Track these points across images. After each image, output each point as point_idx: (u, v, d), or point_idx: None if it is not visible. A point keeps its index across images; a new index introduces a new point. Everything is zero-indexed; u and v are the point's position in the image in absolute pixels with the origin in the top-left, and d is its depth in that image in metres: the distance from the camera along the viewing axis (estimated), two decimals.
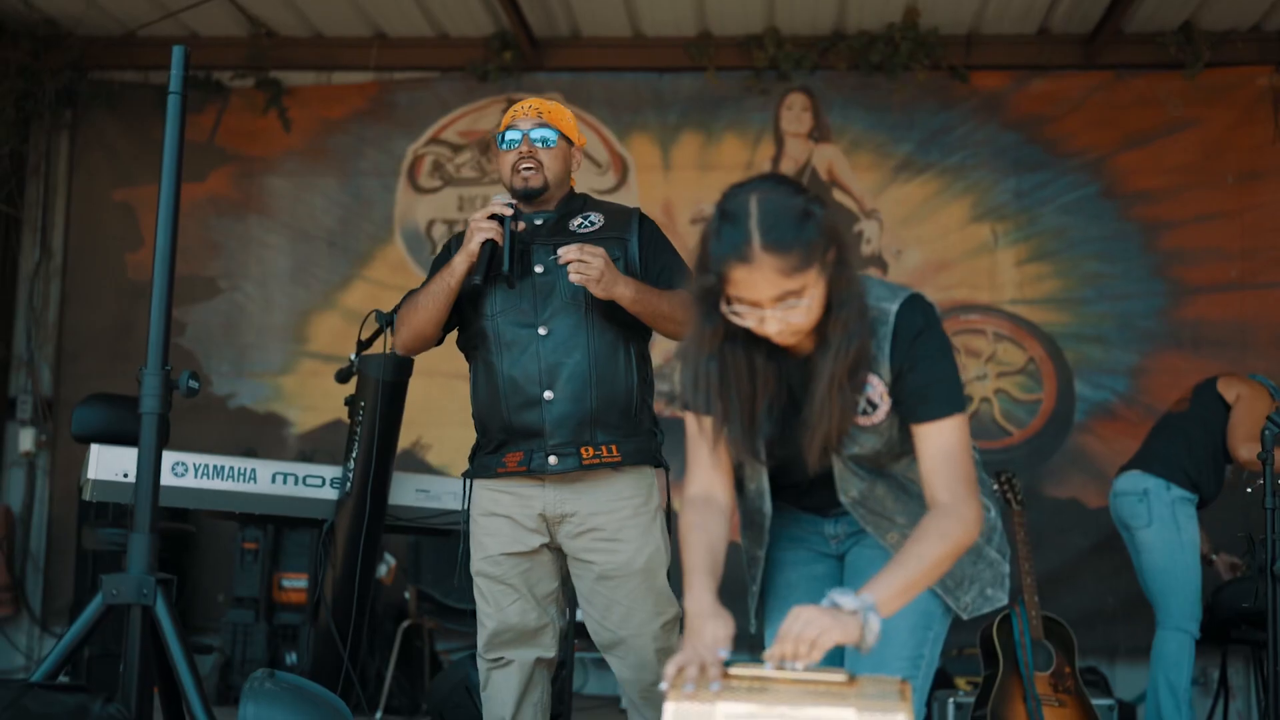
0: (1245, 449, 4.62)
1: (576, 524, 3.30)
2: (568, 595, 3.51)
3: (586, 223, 3.40)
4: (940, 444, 2.24)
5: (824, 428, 2.24)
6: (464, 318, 3.46)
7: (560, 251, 3.20)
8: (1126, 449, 5.37)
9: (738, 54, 6.59)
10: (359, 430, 3.87)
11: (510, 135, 3.37)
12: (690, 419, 2.37)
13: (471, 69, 6.70)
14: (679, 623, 3.33)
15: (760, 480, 2.40)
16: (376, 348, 3.95)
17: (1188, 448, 4.80)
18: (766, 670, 2.06)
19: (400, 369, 3.84)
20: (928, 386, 2.25)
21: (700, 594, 2.23)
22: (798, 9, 6.36)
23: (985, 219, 6.55)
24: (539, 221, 3.38)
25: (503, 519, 3.34)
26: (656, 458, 3.44)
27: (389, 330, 3.79)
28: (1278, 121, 6.40)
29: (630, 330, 3.32)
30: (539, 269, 3.31)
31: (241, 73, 6.81)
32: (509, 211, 3.29)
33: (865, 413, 2.29)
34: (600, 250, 3.18)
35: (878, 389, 2.28)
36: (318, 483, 4.02)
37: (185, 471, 3.90)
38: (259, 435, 6.61)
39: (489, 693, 3.40)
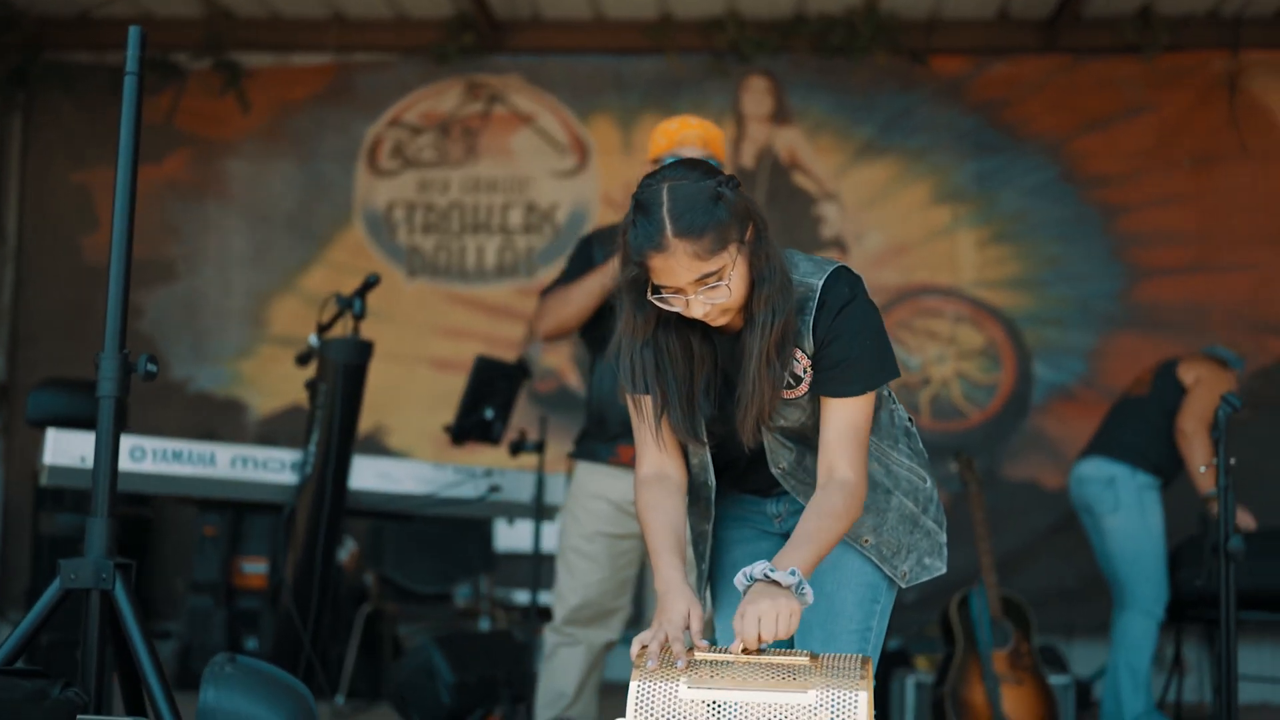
0: (1191, 423, 4.65)
1: None
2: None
3: None
4: (849, 418, 2.29)
5: (756, 404, 2.28)
6: (599, 312, 3.65)
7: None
8: (1084, 430, 5.41)
9: (698, 36, 6.58)
10: (319, 413, 3.86)
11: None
12: (632, 403, 2.40)
13: (431, 51, 6.66)
14: None
15: (703, 454, 2.43)
16: (337, 330, 3.94)
17: (1150, 433, 4.84)
18: (730, 651, 2.07)
19: (360, 352, 3.83)
20: (845, 362, 2.29)
21: (668, 572, 2.25)
22: None
23: (946, 202, 6.58)
24: None
25: (604, 501, 3.63)
26: None
27: (350, 312, 3.77)
28: (1233, 105, 6.46)
29: None
30: None
31: (198, 54, 6.74)
32: None
33: (789, 386, 2.32)
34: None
35: (802, 362, 2.32)
36: (278, 467, 4.00)
37: (144, 456, 3.87)
38: (218, 420, 6.56)
39: (553, 666, 3.67)
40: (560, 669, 3.66)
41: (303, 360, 4.22)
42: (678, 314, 2.28)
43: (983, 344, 6.51)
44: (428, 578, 5.32)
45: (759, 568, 2.12)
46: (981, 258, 6.56)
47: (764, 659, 2.04)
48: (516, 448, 4.22)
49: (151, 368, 2.74)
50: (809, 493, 2.40)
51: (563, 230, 6.66)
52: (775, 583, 2.09)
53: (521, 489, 4.25)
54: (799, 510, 2.49)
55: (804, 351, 2.31)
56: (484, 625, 5.94)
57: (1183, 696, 5.29)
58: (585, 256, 3.75)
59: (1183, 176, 6.47)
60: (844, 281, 2.32)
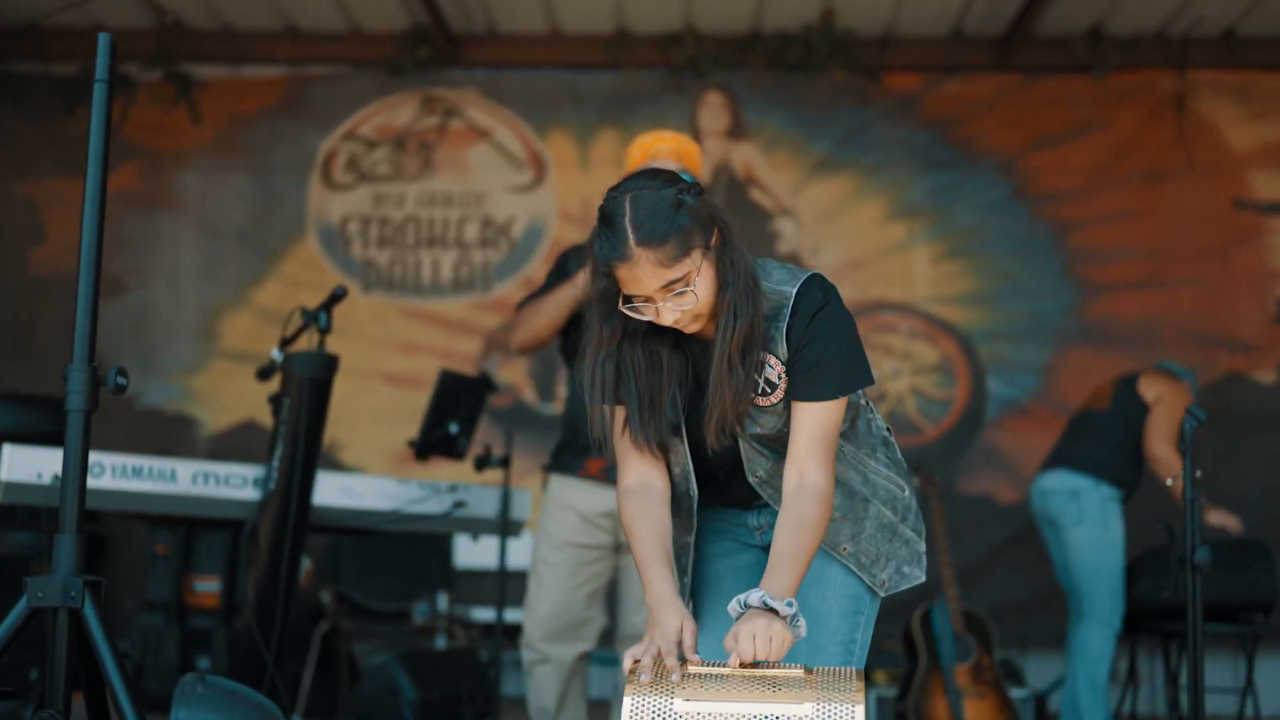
0: (1160, 447, 4.72)
1: None
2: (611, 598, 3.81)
3: None
4: (820, 423, 2.29)
5: (719, 408, 2.27)
6: (575, 324, 3.65)
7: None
8: (1038, 445, 5.45)
9: (656, 52, 6.59)
10: (283, 428, 3.79)
11: None
12: (607, 414, 2.39)
13: (386, 64, 6.62)
14: None
15: (685, 463, 2.41)
16: (301, 344, 3.89)
17: (1113, 446, 4.89)
18: (724, 665, 2.05)
19: (325, 366, 3.78)
20: (818, 366, 2.29)
21: (659, 585, 2.24)
22: (715, 8, 6.38)
23: (901, 218, 6.62)
24: None
25: (573, 512, 3.68)
26: None
27: (315, 326, 3.72)
28: (1181, 123, 6.56)
29: None
30: None
31: (149, 65, 6.65)
32: None
33: (764, 393, 2.32)
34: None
35: (776, 369, 2.31)
36: (239, 483, 3.94)
37: (102, 472, 3.80)
38: (168, 436, 6.46)
39: (533, 683, 3.70)
40: (538, 686, 3.70)
41: (264, 375, 4.16)
42: (648, 325, 2.29)
43: (937, 359, 6.55)
44: (386, 595, 5.27)
45: (755, 596, 2.11)
46: (936, 273, 6.60)
47: (758, 672, 2.03)
48: (481, 463, 4.18)
49: (121, 380, 2.69)
50: None
51: (519, 245, 6.64)
52: (772, 610, 2.08)
53: (487, 504, 4.21)
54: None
55: (778, 358, 2.30)
56: (440, 643, 5.88)
57: (1137, 708, 5.34)
58: (563, 271, 3.79)
59: (1133, 193, 6.56)
60: (818, 287, 2.32)
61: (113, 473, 3.83)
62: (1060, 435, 5.14)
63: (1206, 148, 6.57)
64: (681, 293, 2.21)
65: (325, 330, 3.74)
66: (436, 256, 6.64)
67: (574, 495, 3.70)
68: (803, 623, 2.11)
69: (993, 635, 4.94)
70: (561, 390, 5.13)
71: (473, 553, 5.41)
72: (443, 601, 5.48)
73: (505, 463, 4.15)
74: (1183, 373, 5.08)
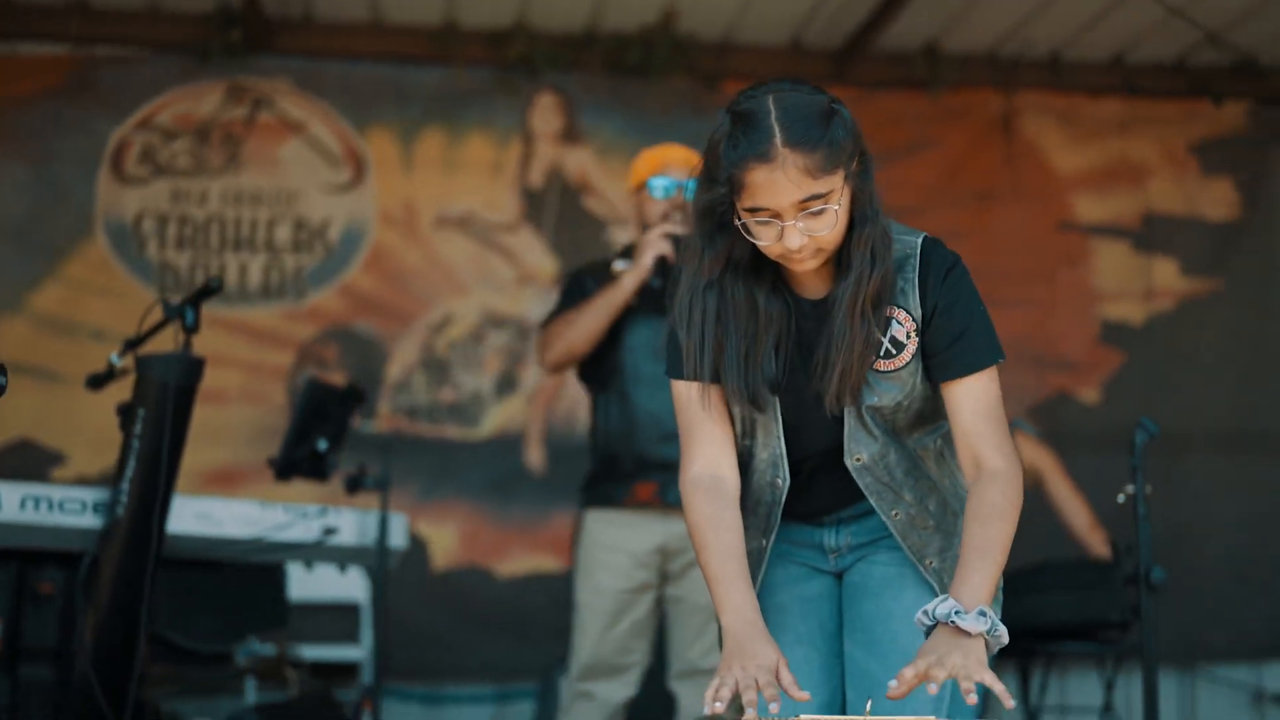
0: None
1: (691, 557, 3.39)
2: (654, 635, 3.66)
3: None
4: (983, 396, 2.03)
5: (843, 364, 1.99)
6: (599, 348, 3.62)
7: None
8: None
9: (486, 48, 6.21)
10: (136, 443, 3.25)
11: (662, 183, 3.59)
12: (681, 386, 2.08)
13: (190, 48, 6.01)
14: None
15: (776, 445, 2.08)
16: (157, 345, 3.35)
17: None
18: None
19: (191, 371, 3.25)
20: (967, 331, 2.03)
21: (744, 607, 1.94)
22: (550, 5, 6.05)
23: None
24: None
25: (622, 554, 3.53)
26: None
27: (180, 323, 3.21)
28: (1008, 145, 6.60)
29: None
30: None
31: None
32: (684, 232, 3.45)
33: (888, 355, 2.03)
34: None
35: (905, 326, 2.04)
36: (77, 508, 3.36)
37: None
38: None
39: (571, 719, 3.57)
40: None
41: (97, 383, 3.60)
42: (751, 261, 2.00)
43: None
44: (209, 634, 4.67)
45: (944, 608, 1.79)
46: None
47: None
48: (355, 484, 3.72)
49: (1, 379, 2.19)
50: (884, 494, 2.08)
51: (335, 249, 6.13)
52: (961, 629, 1.77)
53: (361, 531, 3.73)
54: (861, 545, 2.17)
55: (908, 313, 2.02)
56: (250, 689, 5.31)
57: None
58: (579, 289, 3.68)
59: (965, 213, 6.56)
60: (943, 246, 2.06)
61: None
62: None
63: (1031, 170, 6.64)
64: (820, 211, 1.92)
65: (192, 329, 3.23)
66: (244, 260, 6.06)
67: (620, 534, 3.54)
68: (1003, 630, 1.82)
69: None
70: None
71: (307, 584, 4.87)
72: (269, 641, 4.93)
73: (383, 484, 3.70)
74: (1024, 426, 5.10)
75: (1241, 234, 6.71)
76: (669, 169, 3.62)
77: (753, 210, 1.94)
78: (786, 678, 1.84)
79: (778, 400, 2.05)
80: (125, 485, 3.27)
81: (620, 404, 3.56)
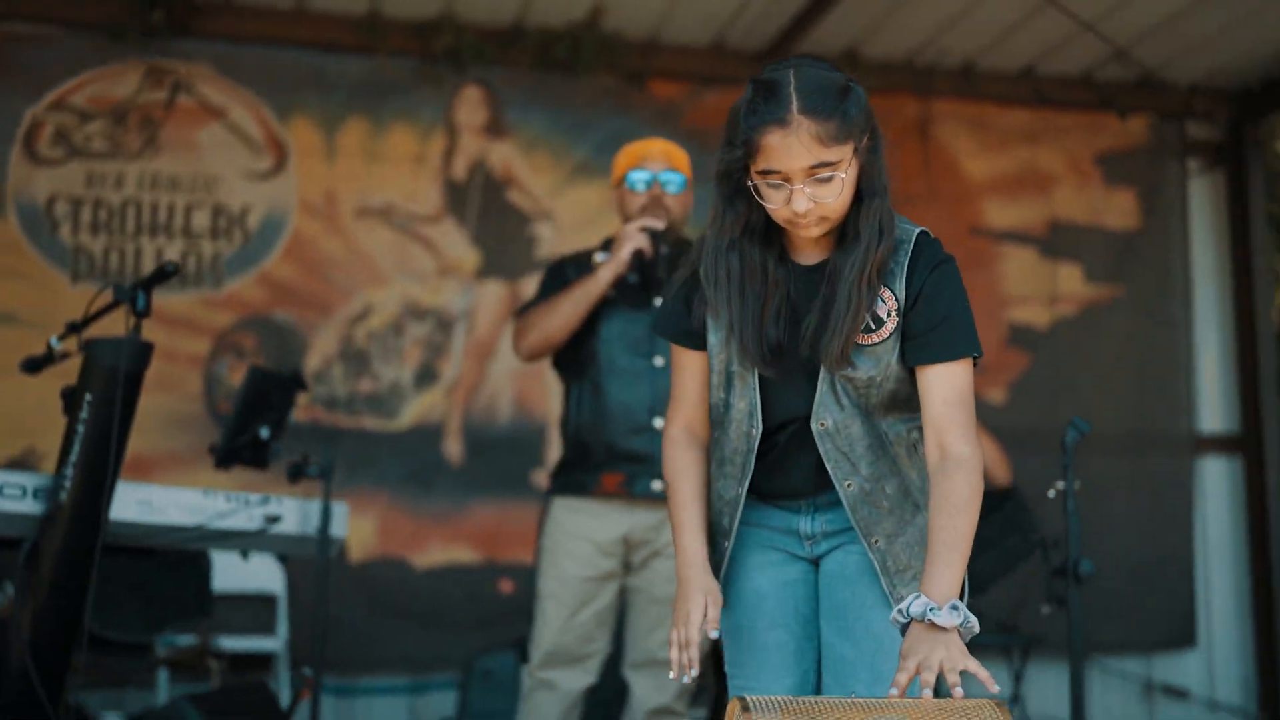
0: None
1: (654, 548, 3.55)
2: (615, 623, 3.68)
3: None
4: (955, 385, 2.13)
5: (847, 327, 2.10)
6: (575, 336, 3.64)
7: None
8: None
9: (411, 39, 6.17)
10: (81, 428, 3.20)
11: (641, 176, 3.67)
12: (676, 351, 2.26)
13: (107, 28, 5.88)
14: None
15: (751, 395, 2.19)
16: (101, 329, 3.30)
17: None
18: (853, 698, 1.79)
19: (140, 356, 3.21)
20: (948, 320, 2.13)
21: (692, 554, 2.18)
22: None
23: None
24: (664, 250, 3.59)
25: (587, 543, 3.54)
26: None
27: (131, 307, 3.16)
28: (925, 149, 6.75)
29: None
30: (659, 303, 3.34)
31: None
32: (661, 226, 3.60)
33: (867, 329, 2.14)
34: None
35: (888, 304, 2.14)
36: (16, 493, 3.30)
37: None
38: None
39: (530, 707, 3.56)
40: (534, 712, 3.53)
41: (33, 366, 3.53)
42: (763, 228, 2.13)
43: None
44: (130, 624, 4.58)
45: (918, 606, 1.87)
46: None
47: (884, 703, 1.78)
48: (297, 471, 3.69)
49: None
50: (841, 463, 2.18)
51: (254, 237, 6.05)
52: (936, 624, 1.84)
53: (303, 520, 3.71)
54: (837, 532, 2.24)
55: (894, 294, 2.12)
56: (162, 681, 5.23)
57: None
58: (560, 279, 3.70)
59: None
60: (937, 242, 2.16)
61: None
62: None
63: (946, 175, 6.80)
64: (828, 179, 2.04)
65: (143, 313, 3.19)
66: (160, 246, 5.95)
67: (587, 523, 3.56)
68: (974, 621, 1.92)
69: None
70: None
71: (232, 575, 4.82)
72: (192, 631, 4.87)
73: (327, 473, 3.68)
74: None
75: (1141, 243, 6.96)
76: (648, 162, 3.69)
77: (765, 173, 2.06)
78: (712, 614, 2.09)
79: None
80: (69, 470, 3.22)
81: (593, 395, 3.60)
